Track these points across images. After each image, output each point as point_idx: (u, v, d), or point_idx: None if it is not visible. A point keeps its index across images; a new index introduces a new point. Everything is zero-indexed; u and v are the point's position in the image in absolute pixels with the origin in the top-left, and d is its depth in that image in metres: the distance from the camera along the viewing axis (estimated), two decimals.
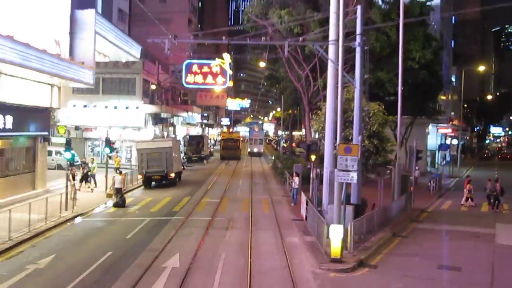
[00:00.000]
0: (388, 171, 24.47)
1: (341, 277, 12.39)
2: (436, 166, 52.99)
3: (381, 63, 24.97)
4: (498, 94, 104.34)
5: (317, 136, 27.57)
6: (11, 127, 20.85)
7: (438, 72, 34.54)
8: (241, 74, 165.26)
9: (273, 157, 49.85)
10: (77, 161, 30.95)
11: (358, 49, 16.83)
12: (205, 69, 50.09)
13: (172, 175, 29.54)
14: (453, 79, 73.58)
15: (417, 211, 23.45)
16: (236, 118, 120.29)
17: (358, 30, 17.17)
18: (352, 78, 17.54)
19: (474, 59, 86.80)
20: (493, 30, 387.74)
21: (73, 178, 22.36)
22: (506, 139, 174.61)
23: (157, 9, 54.85)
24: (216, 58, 43.65)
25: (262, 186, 31.51)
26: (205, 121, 72.82)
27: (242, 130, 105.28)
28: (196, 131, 63.49)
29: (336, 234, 13.16)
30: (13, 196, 21.51)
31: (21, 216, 16.34)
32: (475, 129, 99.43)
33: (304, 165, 27.35)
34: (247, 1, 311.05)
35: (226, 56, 32.33)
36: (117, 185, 21.96)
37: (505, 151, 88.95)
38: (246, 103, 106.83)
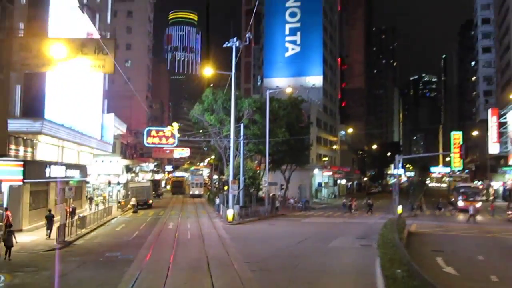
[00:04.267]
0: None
1: (230, 226, 36.84)
2: (321, 197, 79.06)
3: (262, 140, 49.90)
4: (387, 143, 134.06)
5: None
6: (77, 176, 43.99)
7: (304, 140, 60.60)
8: (180, 124, 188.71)
9: (208, 194, 74.36)
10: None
11: (241, 142, 41.92)
12: (160, 133, 74.19)
13: (150, 201, 53.38)
14: (342, 132, 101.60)
15: (280, 215, 48.44)
16: (176, 164, 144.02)
17: (242, 132, 42.29)
18: (239, 152, 42.50)
19: (361, 118, 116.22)
20: (411, 78, 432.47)
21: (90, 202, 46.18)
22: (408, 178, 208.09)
23: (123, 88, 78.27)
24: (168, 126, 67.97)
25: (202, 207, 56.02)
26: (155, 169, 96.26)
27: (181, 174, 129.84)
28: (149, 176, 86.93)
29: (229, 212, 37.84)
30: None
31: (89, 217, 38.76)
32: (371, 172, 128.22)
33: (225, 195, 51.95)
34: (181, 50, 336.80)
35: (175, 124, 57.03)
36: (132, 203, 45.82)
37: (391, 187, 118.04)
38: (186, 152, 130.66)
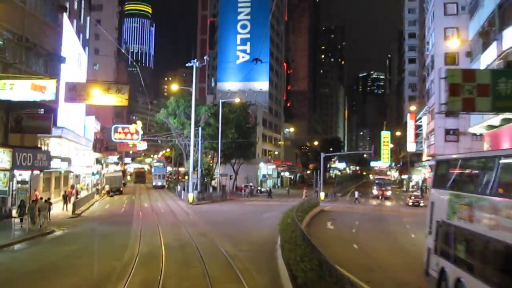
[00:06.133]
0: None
1: (191, 205, 49.48)
2: (265, 187, 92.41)
3: (215, 140, 62.47)
4: (329, 139, 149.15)
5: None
6: (66, 167, 55.29)
7: (251, 138, 73.68)
8: (133, 117, 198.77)
9: (168, 183, 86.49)
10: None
11: (199, 142, 54.44)
12: (126, 130, 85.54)
13: (121, 189, 65.16)
14: (286, 130, 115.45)
15: (229, 199, 61.17)
16: (132, 156, 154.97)
17: (199, 134, 54.79)
18: (197, 149, 55.07)
19: (305, 117, 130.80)
20: (360, 75, 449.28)
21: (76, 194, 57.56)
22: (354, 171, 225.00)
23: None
24: (133, 123, 79.54)
25: (165, 194, 68.29)
26: (116, 161, 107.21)
27: (137, 166, 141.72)
28: (113, 167, 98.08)
29: (190, 196, 50.56)
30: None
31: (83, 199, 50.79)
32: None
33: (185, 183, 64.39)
34: (135, 43, 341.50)
35: (139, 122, 69.09)
36: (107, 189, 57.62)
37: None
38: (143, 146, 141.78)
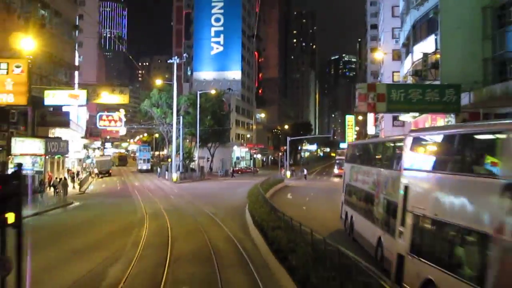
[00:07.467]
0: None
1: (175, 184, 58.41)
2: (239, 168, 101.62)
3: (194, 126, 71.14)
4: (299, 123, 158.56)
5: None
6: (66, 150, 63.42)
7: (225, 124, 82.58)
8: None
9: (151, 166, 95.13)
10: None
11: (181, 128, 63.16)
12: (110, 117, 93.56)
13: (110, 171, 73.59)
14: (258, 115, 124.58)
15: (207, 179, 70.26)
16: (111, 141, 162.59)
17: (181, 121, 63.46)
18: (179, 135, 63.86)
19: (275, 102, 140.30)
20: (332, 58, 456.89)
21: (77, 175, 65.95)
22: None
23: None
24: (116, 111, 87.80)
25: (149, 175, 77.00)
26: (99, 146, 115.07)
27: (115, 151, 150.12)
28: (98, 152, 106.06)
29: (174, 175, 59.51)
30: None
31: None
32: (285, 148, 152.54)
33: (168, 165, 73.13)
34: (107, 27, 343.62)
35: (122, 110, 77.44)
36: (96, 171, 66.14)
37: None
38: (123, 131, 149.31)
